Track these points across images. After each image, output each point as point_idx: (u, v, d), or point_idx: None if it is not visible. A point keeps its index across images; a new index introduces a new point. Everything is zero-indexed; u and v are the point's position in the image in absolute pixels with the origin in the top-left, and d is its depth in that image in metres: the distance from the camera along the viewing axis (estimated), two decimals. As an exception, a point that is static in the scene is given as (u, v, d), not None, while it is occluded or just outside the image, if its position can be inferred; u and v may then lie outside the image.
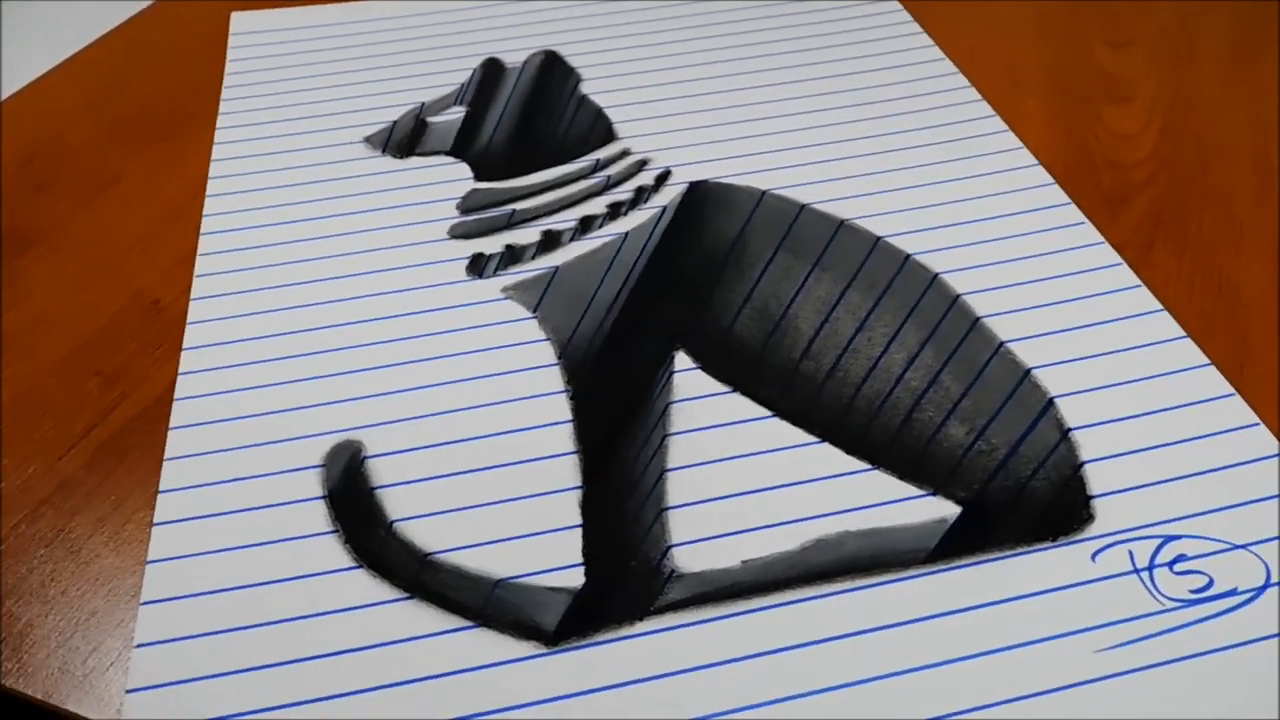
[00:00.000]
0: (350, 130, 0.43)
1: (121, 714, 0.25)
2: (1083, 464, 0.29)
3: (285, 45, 0.48)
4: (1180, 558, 0.27)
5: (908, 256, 0.35)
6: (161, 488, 0.29)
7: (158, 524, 0.29)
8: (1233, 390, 0.30)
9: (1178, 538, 0.27)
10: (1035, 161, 0.39)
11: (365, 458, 0.30)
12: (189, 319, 0.35)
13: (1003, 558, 0.27)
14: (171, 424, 0.31)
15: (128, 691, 0.25)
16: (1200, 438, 0.29)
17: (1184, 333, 0.32)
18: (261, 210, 0.39)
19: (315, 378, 0.32)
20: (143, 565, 0.28)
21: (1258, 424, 0.30)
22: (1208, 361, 0.31)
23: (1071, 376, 0.31)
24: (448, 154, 0.41)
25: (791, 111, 0.42)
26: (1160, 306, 0.33)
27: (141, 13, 0.51)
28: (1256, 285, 0.34)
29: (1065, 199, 0.37)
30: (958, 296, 0.34)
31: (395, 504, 0.29)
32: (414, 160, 0.41)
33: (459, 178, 0.40)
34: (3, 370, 0.33)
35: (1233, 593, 0.26)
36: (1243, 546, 0.27)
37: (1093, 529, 0.27)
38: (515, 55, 0.46)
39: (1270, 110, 0.41)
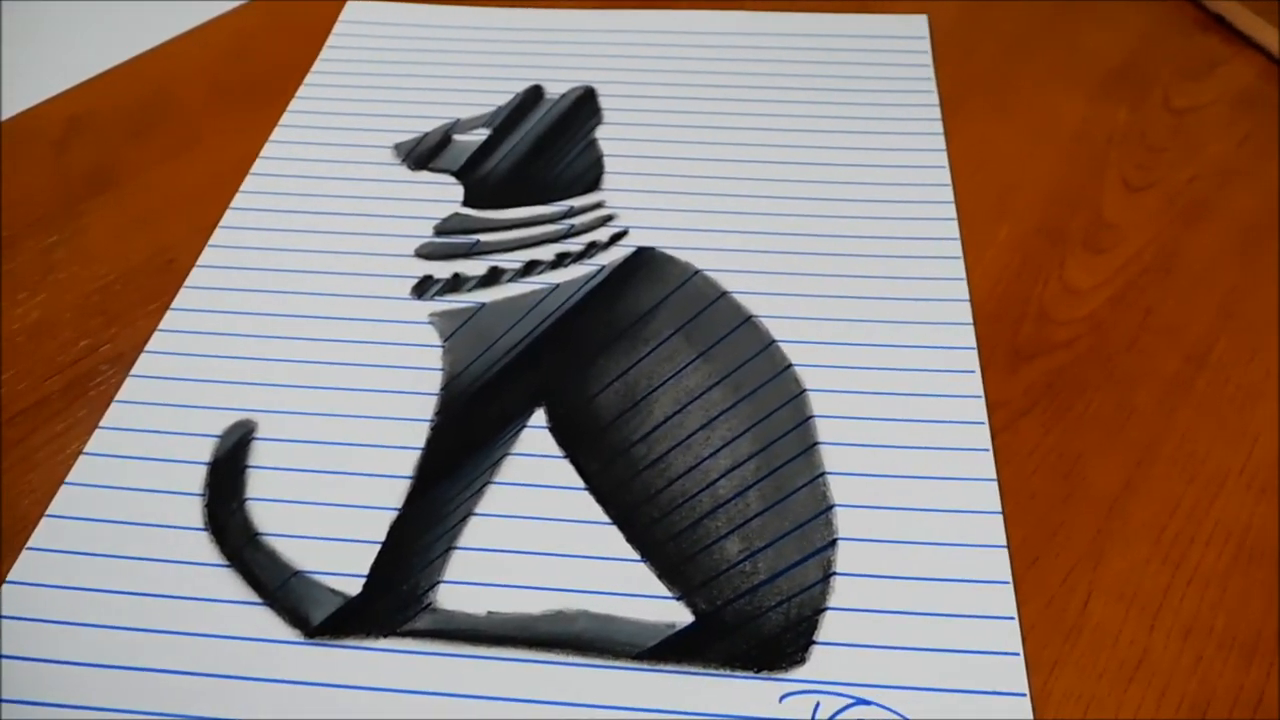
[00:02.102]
0: (399, 134, 0.48)
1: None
2: (824, 609, 0.31)
3: (383, 39, 0.54)
4: (835, 713, 0.29)
5: (789, 366, 0.37)
6: (102, 424, 0.37)
7: (85, 452, 0.36)
8: (1009, 579, 0.31)
9: (867, 703, 0.29)
10: (965, 296, 0.39)
11: (252, 438, 0.36)
12: (186, 282, 0.42)
13: (703, 674, 0.30)
14: (132, 371, 0.38)
15: None
16: (952, 615, 0.31)
17: (999, 508, 0.33)
18: (287, 196, 0.45)
19: (253, 358, 0.39)
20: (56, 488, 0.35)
21: (1013, 618, 0.30)
22: (1004, 544, 0.32)
23: (871, 522, 0.33)
24: (453, 174, 0.46)
25: (762, 194, 0.44)
26: (993, 476, 0.34)
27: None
28: (1106, 483, 0.34)
29: (972, 344, 0.38)
30: (809, 418, 0.36)
31: (257, 484, 0.35)
32: (424, 175, 0.46)
33: (450, 198, 0.45)
34: (34, 298, 0.42)
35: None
36: (856, 703, 0.28)
37: (798, 672, 0.30)
38: (572, 73, 0.50)
39: (1241, 303, 0.39)
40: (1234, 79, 0.49)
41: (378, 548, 0.33)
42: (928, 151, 0.46)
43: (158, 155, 0.48)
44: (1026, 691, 0.29)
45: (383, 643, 0.31)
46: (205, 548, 0.33)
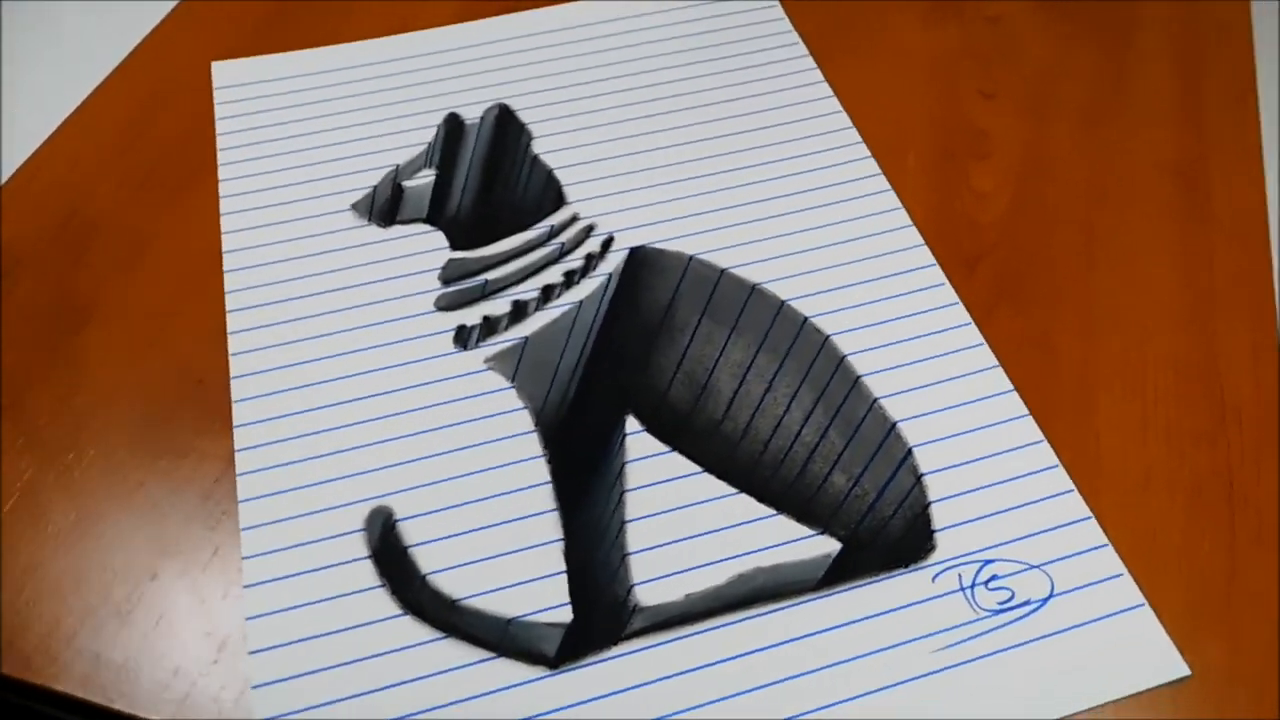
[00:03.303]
0: (337, 185, 0.50)
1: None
2: (929, 504, 0.39)
3: (271, 97, 0.54)
4: (993, 577, 0.38)
5: (805, 320, 0.45)
6: (244, 554, 0.39)
7: (247, 585, 0.38)
8: (1042, 438, 0.41)
9: (991, 561, 0.38)
10: (910, 223, 0.48)
11: (396, 521, 0.39)
12: (234, 398, 0.43)
13: (869, 583, 0.38)
14: (240, 497, 0.40)
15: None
16: (1013, 479, 0.40)
17: (1011, 387, 0.42)
18: (277, 285, 0.46)
19: (345, 450, 0.41)
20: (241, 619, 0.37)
21: (1057, 466, 0.40)
22: (1026, 413, 0.42)
23: (924, 428, 0.41)
24: (424, 221, 0.49)
25: (710, 171, 0.50)
26: (996, 363, 0.43)
27: (126, 62, 0.56)
28: (1070, 345, 0.44)
29: (932, 260, 0.47)
30: (843, 358, 0.43)
31: (425, 559, 0.39)
32: (396, 229, 0.48)
33: (437, 246, 0.48)
34: (87, 450, 0.42)
35: (1027, 603, 0.37)
36: (1036, 566, 0.38)
37: (934, 557, 0.38)
38: (475, 93, 0.53)
39: (1097, 178, 0.50)
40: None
41: (560, 579, 0.38)
42: (822, 100, 0.53)
43: (112, 269, 0.47)
44: (1090, 515, 0.39)
45: (615, 650, 0.36)
46: (413, 628, 0.37)
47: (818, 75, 0.54)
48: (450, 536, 0.39)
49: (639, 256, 0.47)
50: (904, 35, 0.56)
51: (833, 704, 0.35)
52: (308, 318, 0.45)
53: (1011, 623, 0.37)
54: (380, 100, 0.54)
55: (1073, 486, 0.40)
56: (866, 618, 0.37)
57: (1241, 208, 0.48)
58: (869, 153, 0.51)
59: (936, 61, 0.55)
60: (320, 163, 0.51)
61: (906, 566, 0.38)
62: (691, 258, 0.47)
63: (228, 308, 0.46)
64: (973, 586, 0.38)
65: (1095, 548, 0.38)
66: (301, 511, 0.40)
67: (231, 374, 0.44)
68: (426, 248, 0.48)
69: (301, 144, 0.52)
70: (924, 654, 0.36)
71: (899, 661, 0.36)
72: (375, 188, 0.50)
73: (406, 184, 0.50)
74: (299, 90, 0.54)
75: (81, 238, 0.48)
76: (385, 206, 0.49)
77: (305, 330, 0.45)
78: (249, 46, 0.57)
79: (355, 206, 0.49)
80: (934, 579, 0.38)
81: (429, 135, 0.52)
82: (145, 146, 0.52)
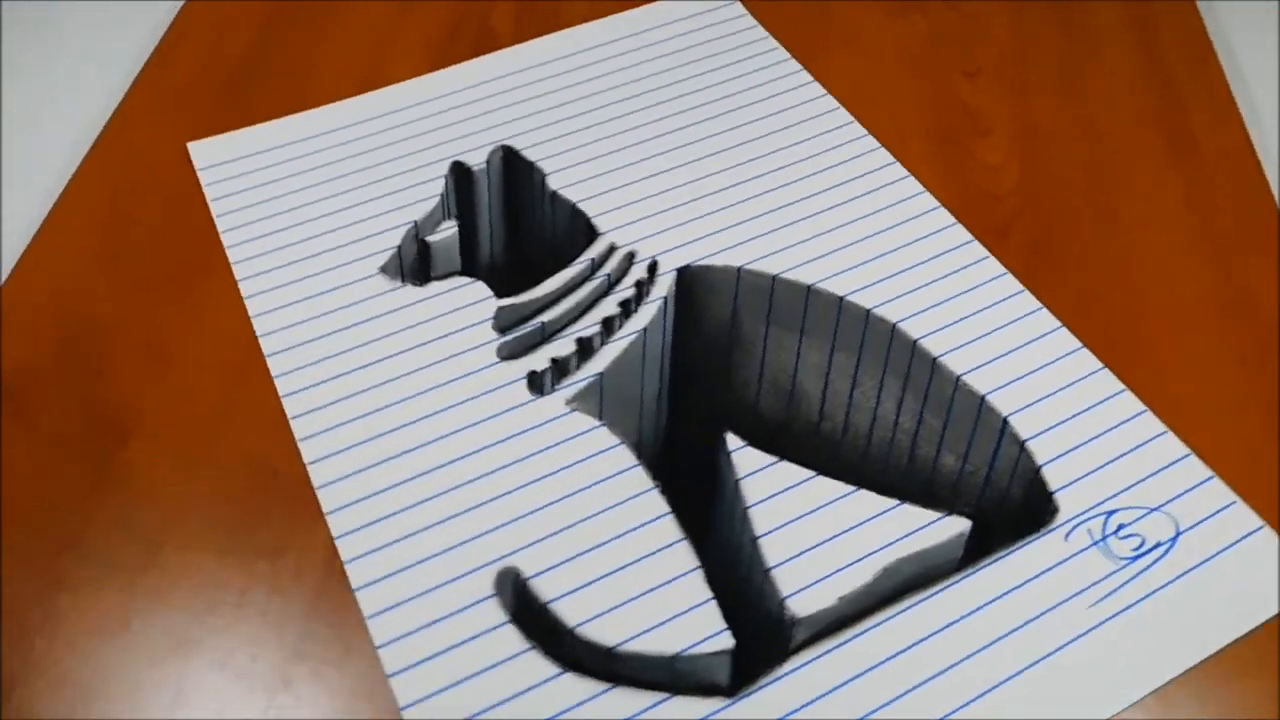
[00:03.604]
0: (356, 251, 0.48)
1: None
2: (1040, 468, 0.40)
3: (256, 172, 0.52)
4: (1120, 526, 0.39)
5: (869, 312, 0.45)
6: (378, 642, 0.37)
7: (391, 675, 0.36)
8: (1123, 387, 0.43)
9: (1114, 511, 0.39)
10: (938, 204, 0.49)
11: (526, 579, 0.38)
12: (316, 483, 0.41)
13: (1008, 554, 0.38)
14: (355, 585, 0.38)
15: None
16: (1108, 431, 0.42)
17: (1080, 344, 0.44)
18: (326, 361, 0.44)
19: (450, 518, 0.40)
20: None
21: (1145, 411, 0.42)
22: (1101, 366, 0.43)
23: (1009, 398, 0.43)
24: (460, 274, 0.47)
25: (732, 182, 0.50)
26: (1059, 324, 0.45)
27: (92, 153, 0.53)
28: (1114, 297, 0.46)
29: (969, 236, 0.48)
30: (915, 342, 0.44)
31: (566, 612, 0.37)
32: (434, 286, 0.47)
33: (481, 297, 0.46)
34: (171, 569, 0.39)
35: (1158, 545, 0.38)
36: (1156, 509, 0.39)
37: (1059, 518, 0.39)
38: (470, 139, 0.52)
39: (1092, 141, 0.52)
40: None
41: (709, 607, 0.37)
42: (819, 99, 0.54)
43: (140, 378, 0.44)
44: (1189, 451, 0.41)
45: (786, 666, 0.36)
46: (577, 684, 0.36)
47: (806, 76, 0.55)
48: (585, 585, 0.38)
49: (688, 275, 0.47)
50: (873, 29, 0.58)
51: (1010, 676, 0.36)
52: (369, 389, 0.43)
53: (1151, 566, 0.38)
54: (374, 159, 0.52)
55: (1165, 428, 0.42)
56: (1017, 586, 0.38)
57: (1226, 148, 0.51)
58: (878, 143, 0.52)
59: (911, 50, 0.57)
60: (331, 231, 0.49)
61: (1038, 530, 0.39)
62: (740, 269, 0.47)
63: (280, 392, 0.44)
64: (1104, 539, 0.39)
65: (1203, 482, 0.40)
66: (423, 589, 0.38)
67: (306, 460, 0.42)
68: (471, 299, 0.46)
69: (305, 214, 0.50)
70: (1081, 611, 0.37)
71: (1060, 622, 0.37)
72: (399, 247, 0.48)
73: (431, 239, 0.49)
74: (287, 160, 0.52)
75: (95, 347, 0.45)
76: (416, 265, 0.48)
77: (370, 403, 0.43)
78: (214, 122, 0.54)
79: (384, 269, 0.48)
80: (1066, 538, 0.39)
81: (433, 187, 0.51)
82: (136, 239, 0.49)
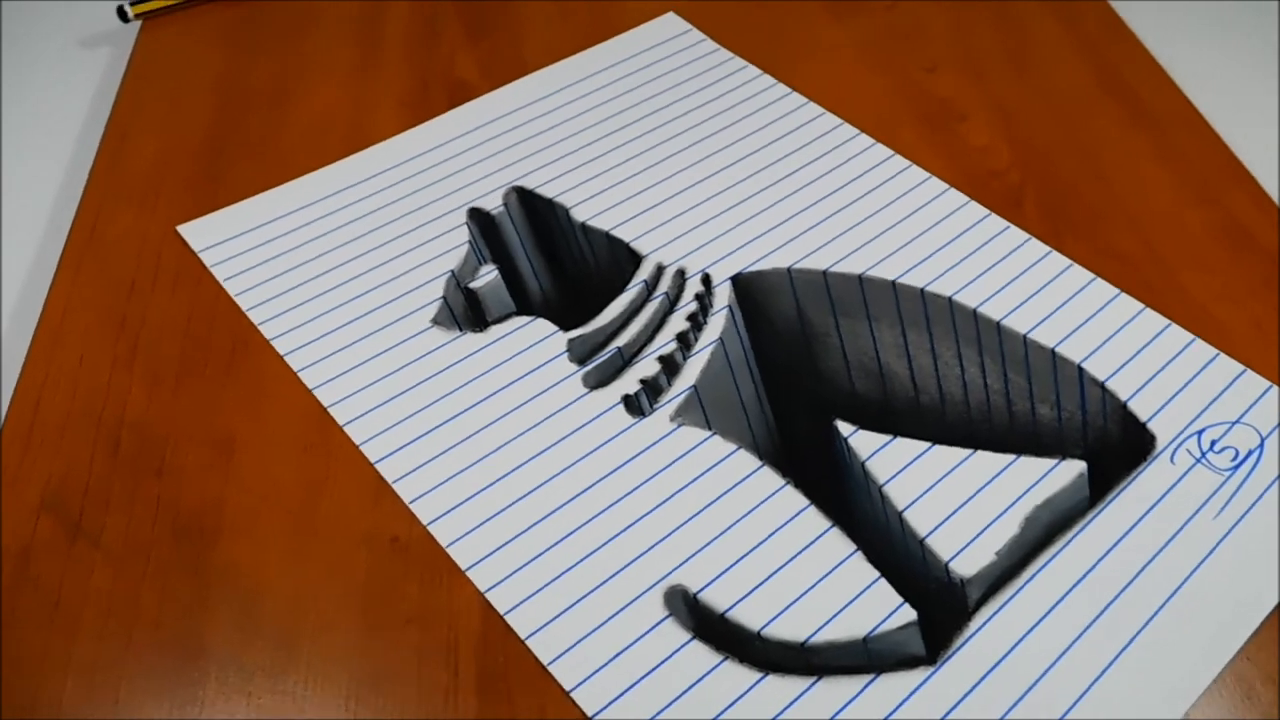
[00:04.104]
0: (398, 310, 0.46)
1: None
2: (1126, 403, 0.43)
3: (262, 246, 0.49)
4: (1213, 442, 0.42)
5: (922, 290, 0.47)
6: (568, 687, 0.35)
7: (594, 715, 0.34)
8: (1168, 322, 0.46)
9: (1202, 431, 0.42)
10: (948, 186, 0.52)
11: (696, 594, 0.37)
12: (443, 542, 0.39)
13: (1128, 485, 0.41)
14: (523, 635, 0.36)
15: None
16: (1169, 362, 0.45)
17: (1118, 291, 0.47)
18: (408, 421, 0.42)
19: (593, 552, 0.38)
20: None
21: (1194, 339, 0.45)
22: (1143, 307, 0.47)
23: (1073, 348, 0.45)
24: (517, 314, 0.46)
25: (753, 191, 0.52)
26: (1093, 276, 0.48)
27: (70, 244, 0.49)
28: (1133, 247, 0.50)
29: (987, 211, 0.51)
30: (975, 310, 0.46)
31: (747, 618, 0.37)
32: (495, 330, 0.46)
33: (547, 333, 0.46)
34: (308, 663, 0.36)
35: (1251, 453, 0.42)
36: (1238, 421, 0.43)
37: (1159, 445, 0.42)
38: (478, 185, 0.51)
39: (1058, 115, 0.57)
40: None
41: (879, 586, 0.38)
42: (803, 107, 0.56)
43: (211, 476, 0.41)
44: (1245, 368, 0.44)
45: (975, 623, 0.37)
46: (782, 684, 0.35)
47: (783, 87, 0.57)
48: (756, 588, 0.38)
49: (743, 283, 0.48)
50: (824, 37, 0.61)
51: (1171, 595, 0.38)
52: (465, 440, 0.42)
53: (1251, 472, 0.41)
54: (386, 216, 0.50)
55: (1217, 351, 0.45)
56: (1147, 512, 0.40)
57: (1172, 110, 0.57)
58: (873, 139, 0.54)
59: (867, 52, 0.60)
60: (366, 292, 0.47)
61: (1144, 459, 0.41)
62: (790, 269, 0.48)
63: (370, 458, 0.41)
64: (1204, 456, 0.42)
65: (1266, 391, 0.44)
66: (594, 624, 0.37)
67: (424, 521, 0.39)
68: (538, 337, 0.45)
69: (330, 280, 0.48)
70: (1208, 524, 0.39)
71: (1196, 536, 0.39)
72: (444, 298, 0.47)
73: (475, 286, 0.47)
74: (292, 230, 0.50)
75: (147, 448, 0.42)
76: (468, 313, 0.46)
77: (472, 453, 0.41)
78: (189, 205, 0.51)
79: (437, 321, 0.46)
80: (1172, 460, 0.41)
81: (455, 236, 0.49)
82: (150, 330, 0.46)
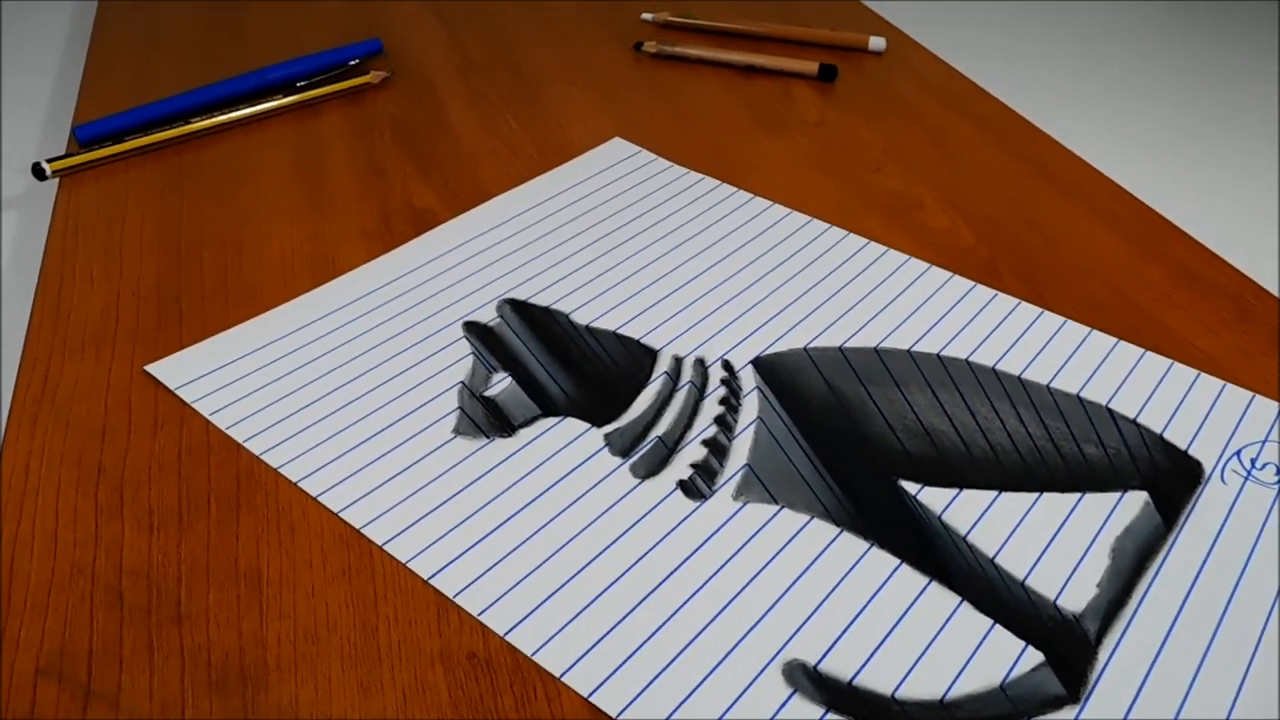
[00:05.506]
0: (411, 428, 0.43)
1: None
2: (1161, 433, 0.44)
3: (246, 378, 0.45)
4: (1253, 460, 0.43)
5: (938, 355, 0.48)
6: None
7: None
8: (1171, 361, 0.48)
9: (1240, 450, 0.43)
10: (929, 265, 0.53)
11: (817, 665, 0.34)
12: (528, 651, 0.35)
13: (1191, 507, 0.41)
14: (572, 683, 0.32)
15: None
16: (1184, 397, 0.46)
17: (1117, 339, 0.49)
18: (454, 533, 0.39)
19: (692, 639, 0.35)
20: None
21: (1199, 374, 0.47)
22: (1144, 351, 0.49)
23: (1091, 392, 0.46)
24: (543, 416, 0.44)
25: (750, 282, 0.52)
26: (1091, 329, 0.50)
27: (18, 400, 0.43)
28: (1106, 294, 0.52)
29: (972, 282, 0.52)
30: (993, 367, 0.47)
31: (875, 683, 0.34)
32: (524, 433, 0.43)
33: (581, 430, 0.43)
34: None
35: (1288, 465, 0.43)
36: (1267, 440, 0.44)
37: (1206, 469, 0.43)
38: (468, 301, 0.49)
39: (989, 192, 0.60)
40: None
41: (997, 633, 0.36)
42: (768, 210, 0.57)
43: (249, 621, 0.35)
44: (1253, 393, 0.46)
45: (1102, 655, 0.35)
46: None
47: (746, 193, 0.59)
48: (874, 653, 0.35)
49: (765, 365, 0.47)
50: (769, 153, 0.63)
51: (1274, 604, 0.37)
52: (521, 545, 0.38)
53: (1295, 482, 0.42)
54: (377, 338, 0.47)
55: (1224, 382, 0.47)
56: (1222, 528, 0.40)
57: (1091, 184, 0.61)
58: (846, 231, 0.56)
59: (811, 160, 0.62)
60: (372, 412, 0.44)
61: (1198, 484, 0.42)
62: (807, 349, 0.48)
63: (423, 575, 0.37)
64: (1250, 473, 0.42)
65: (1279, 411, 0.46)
66: (721, 709, 0.33)
67: (500, 631, 0.35)
68: (573, 435, 0.43)
69: (329, 404, 0.44)
70: (1274, 537, 0.40)
71: (1272, 542, 0.39)
72: (461, 408, 0.44)
73: (491, 393, 0.45)
74: (275, 360, 0.46)
75: (171, 597, 0.36)
76: (490, 420, 0.43)
77: (533, 557, 0.38)
78: (150, 350, 0.47)
79: (459, 431, 0.43)
80: (1223, 480, 0.42)
81: (454, 351, 0.47)
82: (138, 477, 0.40)
